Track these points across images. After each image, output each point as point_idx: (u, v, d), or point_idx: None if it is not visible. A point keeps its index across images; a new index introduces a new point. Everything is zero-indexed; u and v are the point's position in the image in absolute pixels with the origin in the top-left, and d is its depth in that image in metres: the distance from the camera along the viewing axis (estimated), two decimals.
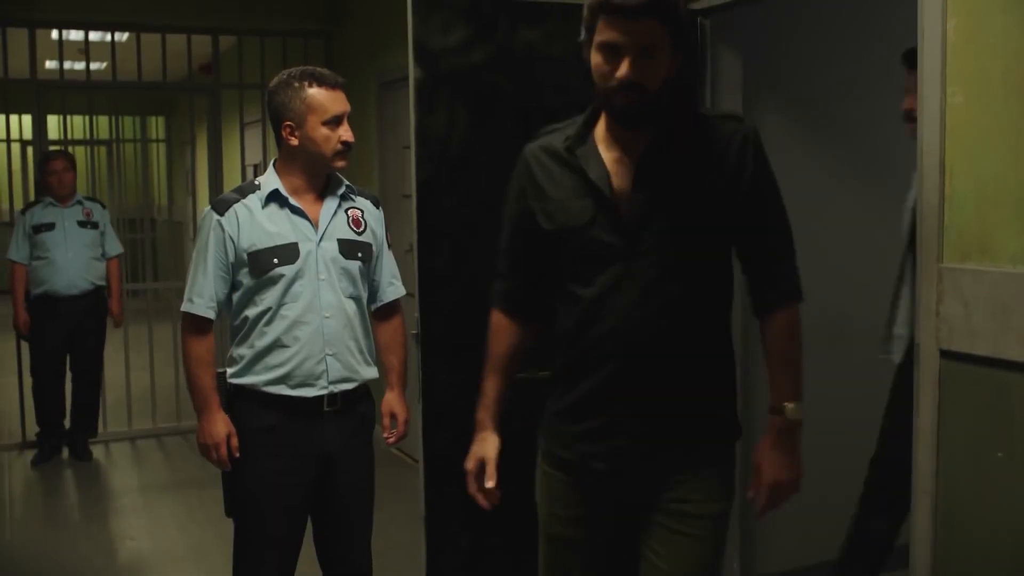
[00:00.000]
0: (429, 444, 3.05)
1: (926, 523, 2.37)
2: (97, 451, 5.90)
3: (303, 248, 2.58)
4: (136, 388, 6.38)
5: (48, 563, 4.22)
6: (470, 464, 2.17)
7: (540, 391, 3.15)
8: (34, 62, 6.05)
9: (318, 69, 2.61)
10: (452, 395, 3.05)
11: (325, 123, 2.55)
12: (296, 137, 2.57)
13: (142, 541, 4.47)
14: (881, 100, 3.68)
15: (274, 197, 2.60)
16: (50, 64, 7.05)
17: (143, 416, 6.33)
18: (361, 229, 2.69)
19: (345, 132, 2.59)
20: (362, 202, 2.75)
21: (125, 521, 4.76)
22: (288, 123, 2.56)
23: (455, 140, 3.02)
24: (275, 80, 2.61)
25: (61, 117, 6.52)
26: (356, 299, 2.67)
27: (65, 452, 5.84)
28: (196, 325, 2.62)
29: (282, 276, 2.55)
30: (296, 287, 2.57)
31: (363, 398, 2.72)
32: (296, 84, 2.56)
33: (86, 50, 6.23)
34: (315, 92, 2.55)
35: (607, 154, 1.98)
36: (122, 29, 6.41)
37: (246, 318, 2.60)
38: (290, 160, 2.62)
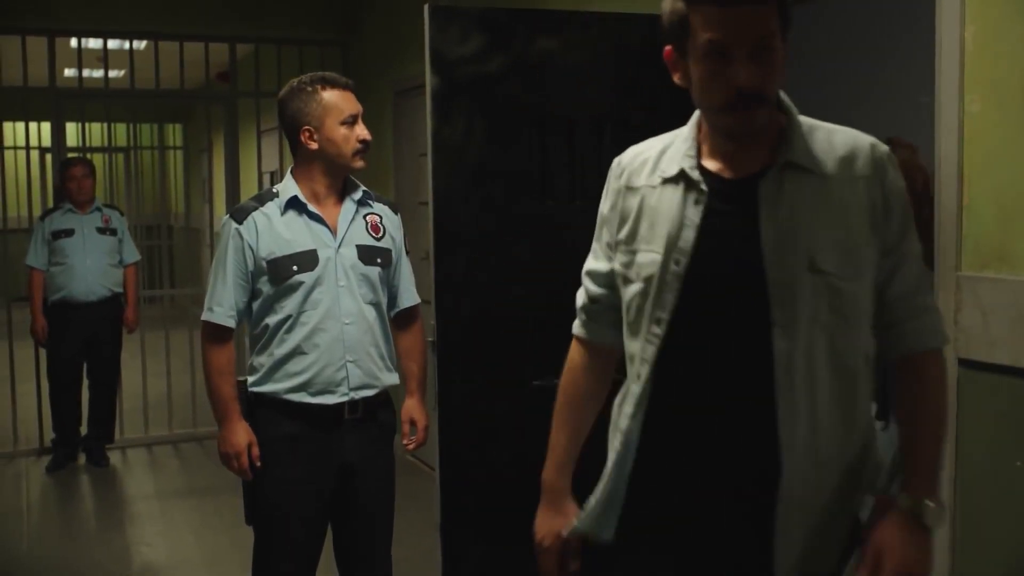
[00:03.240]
0: (445, 452, 3.05)
1: (944, 533, 2.36)
2: (114, 457, 5.92)
3: (322, 255, 2.59)
4: (152, 394, 6.41)
5: (64, 569, 4.23)
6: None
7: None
8: (53, 70, 6.09)
9: (327, 73, 2.65)
10: (468, 403, 3.05)
11: (342, 123, 2.58)
12: (315, 141, 2.58)
13: (157, 548, 4.48)
14: (895, 110, 3.67)
15: (293, 204, 2.61)
16: (69, 72, 7.11)
17: (159, 422, 6.35)
18: (380, 235, 2.70)
19: (362, 131, 2.61)
20: (380, 208, 2.76)
21: (141, 527, 4.77)
22: (307, 128, 2.58)
23: (472, 148, 3.03)
24: (285, 89, 2.64)
25: (79, 124, 6.55)
26: (376, 305, 2.68)
27: (82, 458, 5.86)
28: (216, 334, 2.63)
29: (301, 283, 2.56)
30: (316, 294, 2.58)
31: (384, 406, 2.73)
32: (309, 89, 2.59)
33: (104, 58, 6.27)
34: (329, 94, 2.58)
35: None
36: (140, 37, 6.46)
37: (266, 326, 2.61)
38: (308, 166, 2.63)
